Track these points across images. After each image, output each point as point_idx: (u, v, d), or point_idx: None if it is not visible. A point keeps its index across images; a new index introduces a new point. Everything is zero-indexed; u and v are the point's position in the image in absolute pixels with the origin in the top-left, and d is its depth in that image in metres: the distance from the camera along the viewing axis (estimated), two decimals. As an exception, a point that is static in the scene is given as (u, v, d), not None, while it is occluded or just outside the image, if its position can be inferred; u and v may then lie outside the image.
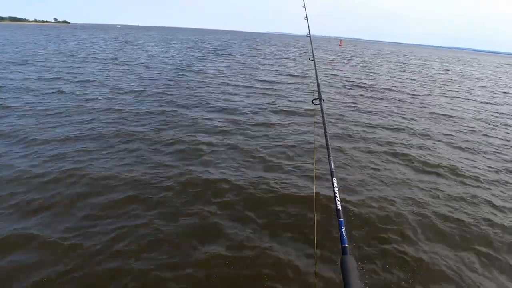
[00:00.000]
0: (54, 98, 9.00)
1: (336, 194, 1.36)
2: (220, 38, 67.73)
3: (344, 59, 32.33)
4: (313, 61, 3.35)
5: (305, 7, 4.14)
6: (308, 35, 3.79)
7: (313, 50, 3.54)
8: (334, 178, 1.47)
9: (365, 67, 24.72)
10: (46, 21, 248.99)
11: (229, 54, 27.39)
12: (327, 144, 1.78)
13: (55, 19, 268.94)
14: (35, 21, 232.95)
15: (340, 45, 73.18)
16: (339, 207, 1.28)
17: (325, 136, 1.88)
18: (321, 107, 2.22)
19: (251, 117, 8.15)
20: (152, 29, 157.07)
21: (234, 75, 15.11)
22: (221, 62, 20.73)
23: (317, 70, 3.35)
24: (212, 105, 9.11)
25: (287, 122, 7.87)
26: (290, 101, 10.36)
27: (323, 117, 2.06)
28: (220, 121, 7.63)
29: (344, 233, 1.14)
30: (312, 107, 8.15)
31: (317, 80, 3.13)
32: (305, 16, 3.97)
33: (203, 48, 33.78)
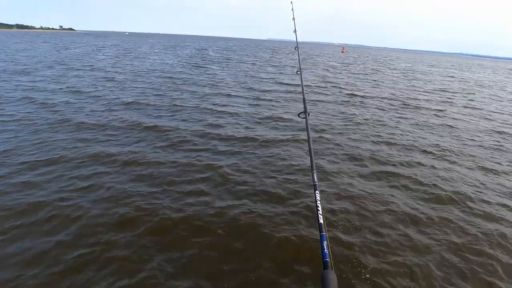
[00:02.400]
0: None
1: (318, 208, 1.33)
2: (222, 46, 68.25)
3: (344, 65, 32.37)
4: (299, 75, 3.29)
5: (293, 10, 4.04)
6: (296, 48, 3.70)
7: (300, 63, 3.47)
8: (317, 192, 1.45)
9: (366, 74, 24.65)
10: (52, 28, 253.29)
11: (228, 61, 27.53)
12: (311, 157, 1.81)
13: (61, 26, 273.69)
14: (41, 28, 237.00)
15: (342, 52, 73.45)
16: (321, 221, 1.25)
17: (309, 149, 1.93)
18: (306, 121, 2.27)
19: (242, 132, 7.84)
20: (157, 36, 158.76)
21: (231, 85, 15.08)
22: (221, 70, 20.76)
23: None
24: (207, 119, 8.99)
25: (280, 138, 7.50)
26: (285, 112, 10.08)
27: (307, 130, 2.12)
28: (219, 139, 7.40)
29: (325, 248, 1.11)
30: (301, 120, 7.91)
31: (303, 94, 3.11)
32: (292, 17, 3.84)
33: (204, 55, 34.01)
